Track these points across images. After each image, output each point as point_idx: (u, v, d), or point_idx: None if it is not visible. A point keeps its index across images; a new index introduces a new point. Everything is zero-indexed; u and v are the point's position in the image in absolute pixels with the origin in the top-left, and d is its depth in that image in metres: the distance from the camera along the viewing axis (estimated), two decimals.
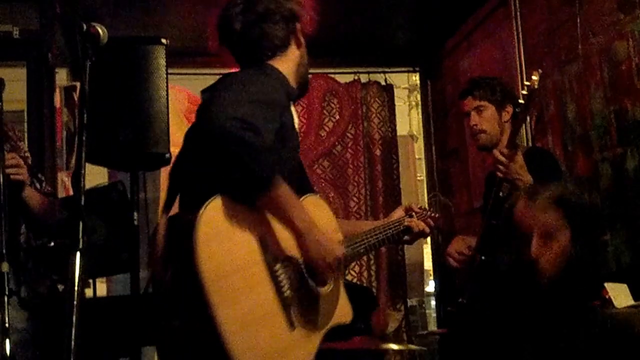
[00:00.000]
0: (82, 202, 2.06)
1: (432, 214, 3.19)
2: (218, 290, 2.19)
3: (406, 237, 3.12)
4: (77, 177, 2.09)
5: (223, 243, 2.27)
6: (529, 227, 2.97)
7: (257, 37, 2.64)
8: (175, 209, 2.57)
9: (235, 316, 2.22)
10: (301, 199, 2.52)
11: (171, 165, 2.77)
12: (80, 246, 2.01)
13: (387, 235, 3.02)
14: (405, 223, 3.09)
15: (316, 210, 2.58)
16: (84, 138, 2.12)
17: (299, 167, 2.77)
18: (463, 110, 3.96)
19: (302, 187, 2.63)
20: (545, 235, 2.94)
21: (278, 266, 2.40)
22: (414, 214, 3.12)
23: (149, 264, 2.28)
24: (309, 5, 2.77)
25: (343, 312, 2.68)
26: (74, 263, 1.99)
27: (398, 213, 3.15)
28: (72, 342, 1.88)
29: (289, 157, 2.57)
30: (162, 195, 6.00)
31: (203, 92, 2.64)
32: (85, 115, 2.14)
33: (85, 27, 2.19)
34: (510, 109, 3.87)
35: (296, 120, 2.67)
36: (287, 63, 2.68)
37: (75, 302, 1.92)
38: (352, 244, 2.83)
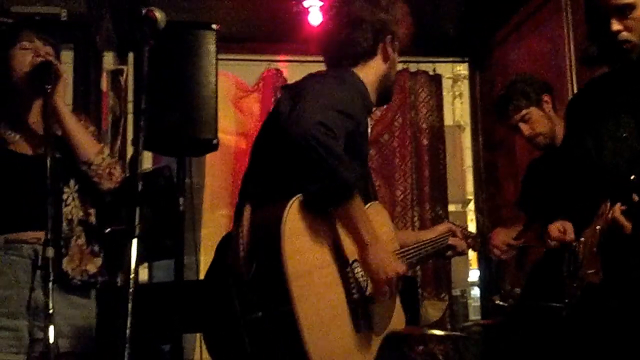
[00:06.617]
0: (139, 188, 2.04)
1: (472, 235, 3.31)
2: (300, 286, 2.20)
3: (449, 253, 3.21)
4: (134, 163, 2.07)
5: (305, 241, 2.29)
6: None
7: (343, 42, 2.64)
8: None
9: (313, 313, 2.23)
10: (365, 207, 2.50)
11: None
12: (137, 233, 1.99)
13: (434, 250, 3.09)
14: (449, 242, 3.15)
15: (377, 219, 2.60)
16: (141, 123, 2.11)
17: (367, 174, 2.78)
18: (510, 125, 3.98)
19: (367, 195, 2.64)
20: None
21: (348, 269, 2.42)
22: (458, 233, 3.19)
23: (232, 258, 2.25)
24: (406, 20, 2.76)
25: (399, 319, 2.71)
26: (131, 250, 1.98)
27: (441, 228, 3.19)
28: (128, 331, 1.87)
29: (361, 166, 2.58)
30: (207, 180, 6.01)
31: (284, 88, 2.65)
32: (143, 100, 2.12)
33: (144, 11, 2.17)
34: (547, 97, 3.92)
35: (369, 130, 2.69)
36: (369, 73, 2.66)
37: (131, 290, 1.91)
38: (406, 254, 2.85)
